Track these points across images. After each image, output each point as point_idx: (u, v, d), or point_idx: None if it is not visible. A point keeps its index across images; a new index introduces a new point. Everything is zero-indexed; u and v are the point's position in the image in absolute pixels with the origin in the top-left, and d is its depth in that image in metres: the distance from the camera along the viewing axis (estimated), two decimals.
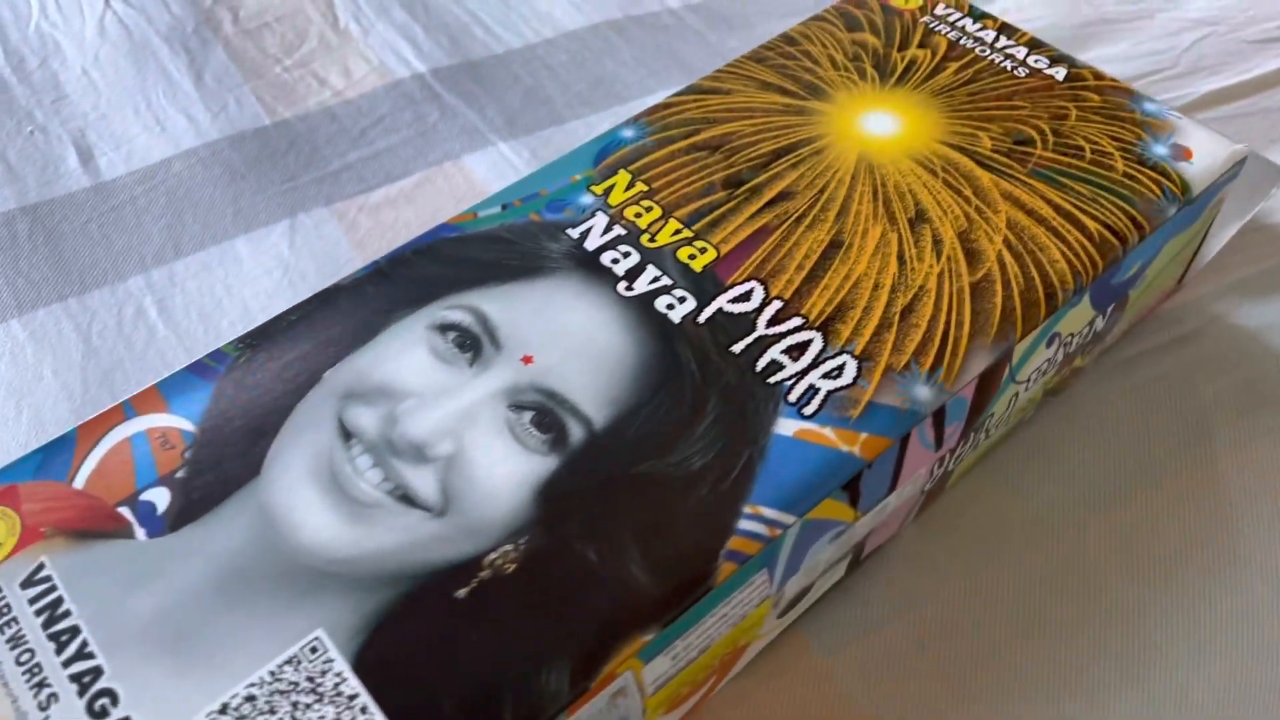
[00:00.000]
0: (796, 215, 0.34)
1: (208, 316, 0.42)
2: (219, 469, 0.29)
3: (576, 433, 0.29)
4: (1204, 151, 0.36)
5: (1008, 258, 0.33)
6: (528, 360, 0.31)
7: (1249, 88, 0.51)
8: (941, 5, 0.41)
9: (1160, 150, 0.36)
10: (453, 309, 0.32)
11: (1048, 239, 0.33)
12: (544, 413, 0.29)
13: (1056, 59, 0.39)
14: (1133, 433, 0.38)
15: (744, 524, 0.27)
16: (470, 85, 0.51)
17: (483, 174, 0.47)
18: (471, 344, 0.31)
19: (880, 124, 0.37)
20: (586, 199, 0.35)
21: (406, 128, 0.49)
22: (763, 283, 0.32)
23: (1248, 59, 0.52)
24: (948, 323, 0.31)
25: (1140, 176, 0.35)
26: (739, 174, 0.35)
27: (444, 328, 0.31)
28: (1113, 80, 0.38)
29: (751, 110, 0.37)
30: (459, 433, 0.29)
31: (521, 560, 0.27)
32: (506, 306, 0.32)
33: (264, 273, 0.43)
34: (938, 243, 0.33)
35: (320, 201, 0.46)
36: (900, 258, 0.33)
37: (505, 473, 0.28)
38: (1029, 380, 0.33)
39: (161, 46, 0.52)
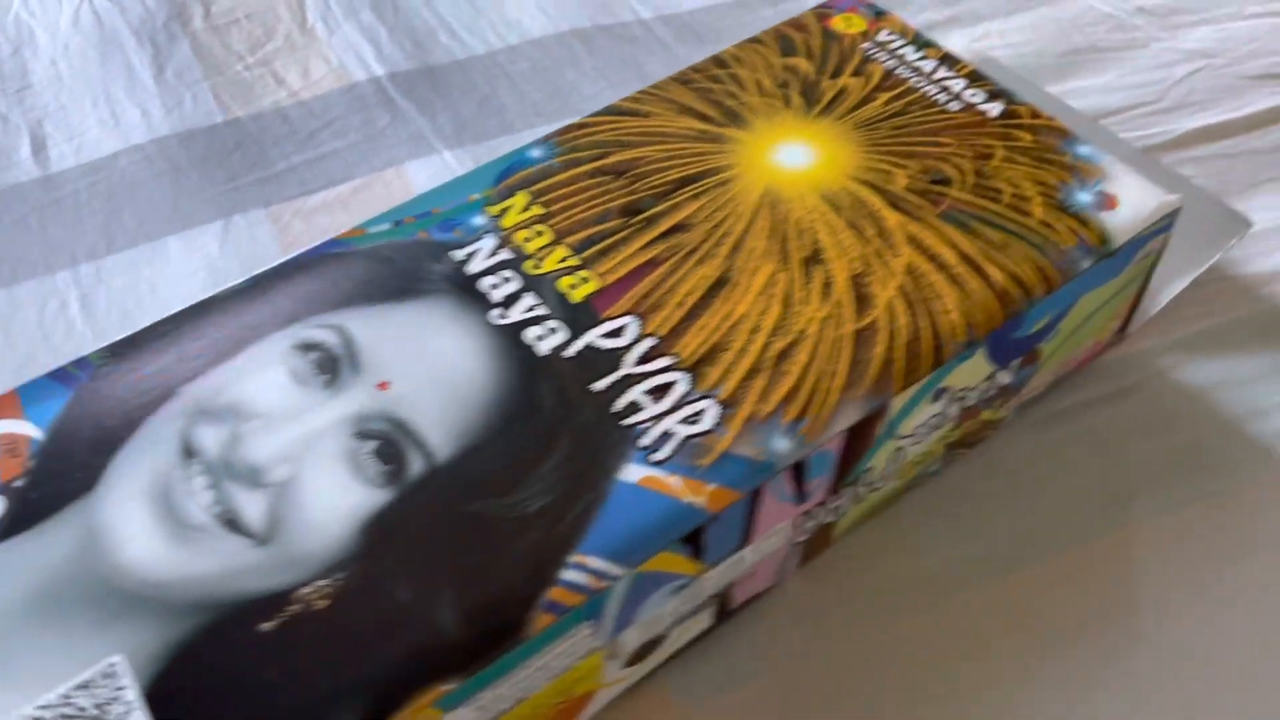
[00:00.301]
0: (689, 249, 0.33)
1: (129, 315, 0.42)
2: (58, 480, 0.29)
3: (416, 466, 0.28)
4: (1132, 200, 0.34)
5: (899, 306, 0.31)
6: (383, 386, 0.30)
7: (1238, 126, 0.48)
8: (886, 31, 0.39)
9: (1084, 197, 0.34)
10: (320, 328, 0.31)
11: (946, 287, 0.32)
12: (388, 443, 0.29)
13: (995, 94, 0.37)
14: (1046, 493, 0.36)
15: (568, 574, 0.26)
16: (426, 91, 0.50)
17: (422, 182, 0.46)
18: (331, 366, 0.30)
19: (794, 156, 0.35)
20: (479, 220, 0.34)
21: (355, 132, 0.49)
22: (640, 318, 0.31)
23: (1242, 95, 0.49)
24: (822, 371, 0.30)
25: (1057, 224, 0.33)
26: (638, 202, 0.34)
27: (307, 347, 0.31)
28: (1049, 120, 0.36)
29: (665, 135, 0.36)
30: (298, 458, 0.28)
31: (335, 596, 0.26)
32: (374, 328, 0.31)
33: (190, 273, 0.43)
34: (828, 286, 0.32)
35: (258, 203, 0.46)
36: (786, 300, 0.31)
37: (335, 504, 0.27)
38: (914, 435, 0.32)
39: (130, 39, 0.53)
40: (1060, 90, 0.50)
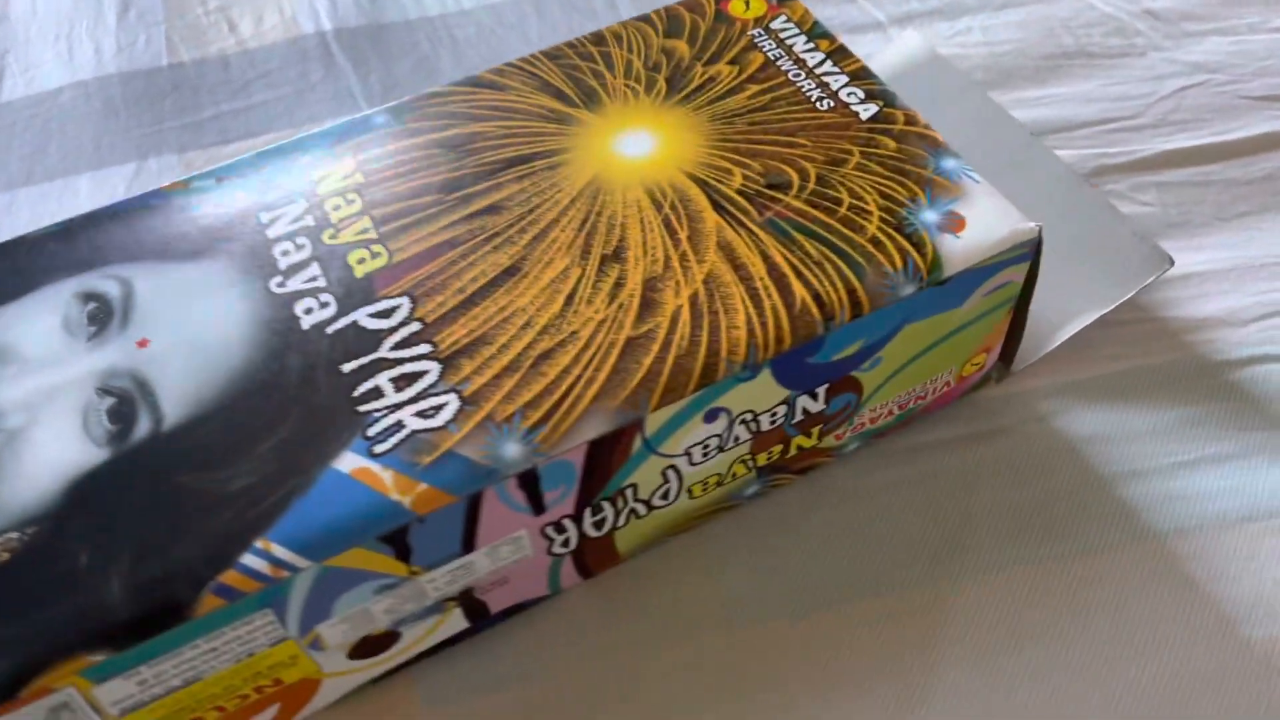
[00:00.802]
0: (491, 233, 0.31)
1: None
2: None
3: (143, 428, 0.28)
4: (982, 225, 0.30)
5: (685, 316, 0.29)
6: (143, 344, 0.29)
7: (1218, 152, 0.43)
8: (783, 18, 0.37)
9: (930, 216, 0.30)
10: (107, 278, 0.31)
11: (741, 302, 0.29)
12: (124, 401, 0.28)
13: (874, 95, 0.34)
14: (872, 532, 0.33)
15: (249, 559, 0.25)
16: (366, 48, 0.49)
17: None
18: (102, 318, 0.30)
19: (636, 144, 0.33)
20: (298, 183, 0.33)
21: (288, 85, 0.48)
22: (414, 300, 0.30)
23: (1235, 118, 0.44)
24: (579, 378, 0.28)
25: (887, 244, 0.30)
26: (461, 179, 0.33)
27: (88, 296, 0.31)
28: (924, 128, 0.33)
29: (514, 112, 0.34)
30: (37, 408, 0.28)
31: (18, 551, 0.26)
32: (158, 285, 0.31)
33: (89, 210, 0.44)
34: (618, 286, 0.30)
35: (175, 148, 0.46)
36: (570, 297, 0.30)
37: (53, 458, 0.27)
38: (688, 455, 0.29)
39: None
40: (1030, 96, 0.45)
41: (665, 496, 0.31)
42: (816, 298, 0.29)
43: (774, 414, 0.30)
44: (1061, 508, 0.33)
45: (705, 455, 0.30)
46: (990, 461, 0.34)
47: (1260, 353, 0.36)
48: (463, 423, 0.27)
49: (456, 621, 0.30)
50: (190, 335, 0.29)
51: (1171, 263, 0.35)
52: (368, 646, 0.29)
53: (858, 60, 0.35)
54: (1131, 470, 0.34)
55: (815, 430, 0.32)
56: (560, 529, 0.29)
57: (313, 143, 0.34)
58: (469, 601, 0.30)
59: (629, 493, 0.29)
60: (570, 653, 0.31)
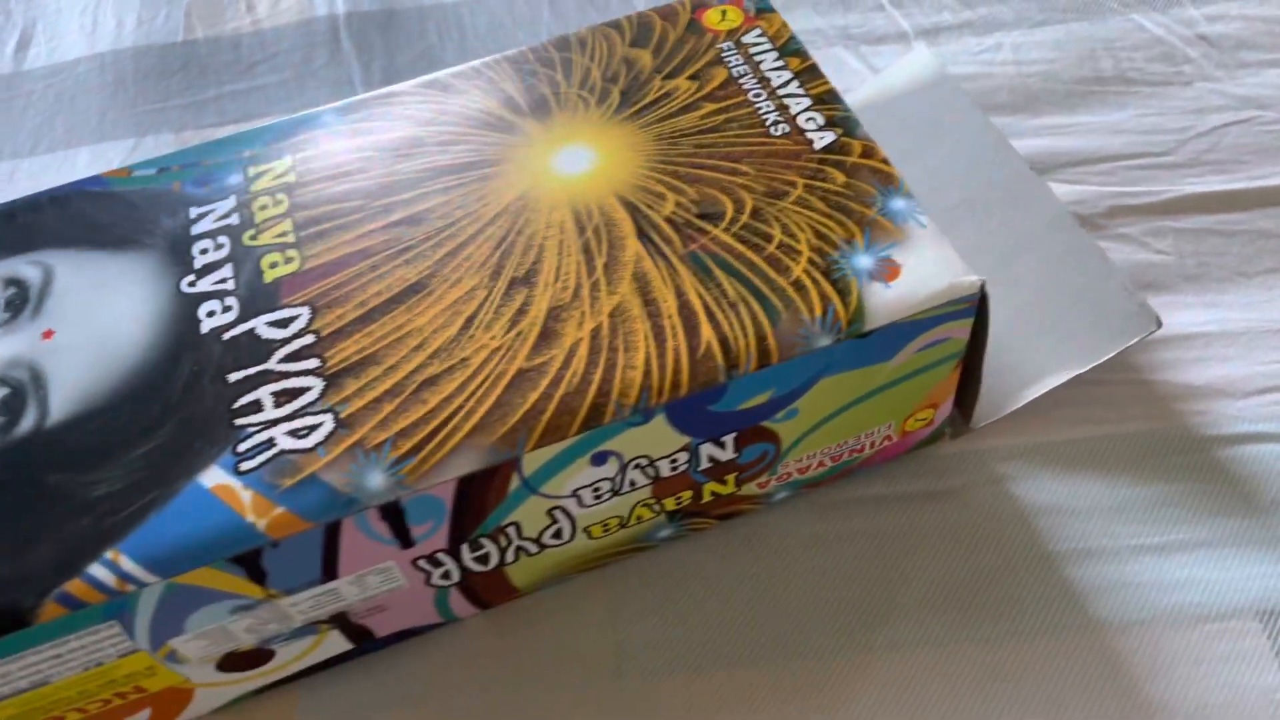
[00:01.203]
0: (406, 245, 0.30)
1: None
2: None
3: (27, 423, 0.27)
4: (918, 275, 0.28)
5: (583, 350, 0.27)
6: (48, 335, 0.29)
7: (1251, 199, 0.39)
8: (757, 31, 0.34)
9: (862, 262, 0.28)
10: (31, 264, 0.31)
11: (644, 339, 0.27)
12: (16, 394, 0.28)
13: (834, 123, 0.31)
14: (790, 591, 0.31)
15: (97, 570, 0.25)
16: (374, 34, 0.49)
17: None
18: (18, 305, 0.30)
19: (574, 160, 0.32)
20: (234, 179, 0.33)
21: (291, 69, 0.48)
22: (315, 311, 0.29)
23: (1277, 161, 0.40)
24: (459, 408, 0.27)
25: (811, 289, 0.28)
26: (391, 185, 0.32)
27: (8, 282, 0.31)
28: (880, 162, 0.30)
29: (461, 117, 0.33)
30: None
31: None
32: (78, 275, 0.31)
33: None
34: (521, 313, 0.28)
35: (173, 127, 0.46)
36: (470, 320, 0.28)
37: None
38: (577, 497, 0.28)
39: None
40: (1054, 124, 0.42)
41: (558, 536, 0.29)
42: (723, 342, 0.27)
43: (674, 460, 0.28)
44: (1000, 584, 0.30)
45: (597, 498, 0.28)
46: (931, 525, 0.32)
47: (1255, 430, 0.33)
48: (332, 446, 0.26)
49: (337, 643, 0.30)
50: (95, 330, 0.29)
51: (1159, 324, 0.32)
52: (237, 661, 0.28)
53: (826, 82, 0.33)
54: (1085, 549, 0.31)
55: (730, 478, 0.30)
56: (436, 562, 0.28)
57: (258, 137, 0.34)
58: (345, 625, 0.29)
59: (511, 531, 0.28)
60: (456, 683, 0.30)
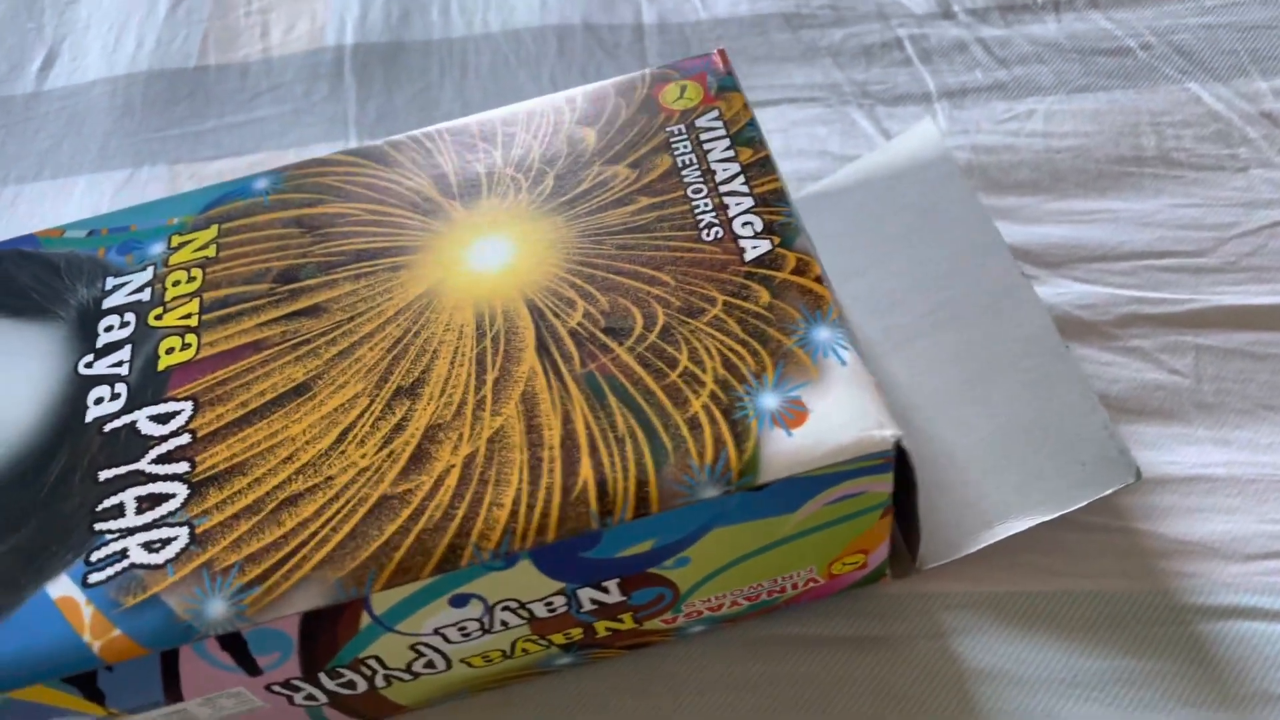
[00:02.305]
0: (300, 339, 0.28)
1: None
2: None
3: None
4: (825, 424, 0.25)
5: (452, 480, 0.25)
6: None
7: None
8: (714, 114, 0.31)
9: (768, 402, 0.25)
10: None
11: (519, 472, 0.25)
12: None
13: (773, 230, 0.28)
14: None
15: None
16: (376, 69, 0.47)
17: None
18: None
19: (490, 254, 0.29)
20: (156, 249, 0.32)
21: (291, 101, 0.47)
22: (197, 407, 0.28)
23: None
24: (313, 535, 0.25)
25: (707, 429, 0.25)
26: (299, 268, 0.30)
27: None
28: (813, 280, 0.27)
29: (386, 195, 0.31)
30: None
31: None
32: None
33: (76, 217, 0.44)
34: (398, 429, 0.26)
35: (168, 158, 0.46)
36: (345, 432, 0.26)
37: None
38: (442, 635, 0.26)
39: None
40: (1077, 209, 0.38)
41: (431, 666, 0.27)
42: (600, 485, 0.25)
43: (550, 604, 0.26)
44: None
45: (466, 636, 0.26)
46: (862, 676, 0.29)
47: (1247, 604, 0.28)
48: (181, 565, 0.25)
49: None
50: None
51: (1138, 477, 0.28)
52: None
53: (775, 179, 0.29)
54: None
55: (626, 616, 0.28)
56: (293, 688, 0.27)
57: (192, 201, 0.33)
58: None
59: (373, 662, 0.26)
60: None
